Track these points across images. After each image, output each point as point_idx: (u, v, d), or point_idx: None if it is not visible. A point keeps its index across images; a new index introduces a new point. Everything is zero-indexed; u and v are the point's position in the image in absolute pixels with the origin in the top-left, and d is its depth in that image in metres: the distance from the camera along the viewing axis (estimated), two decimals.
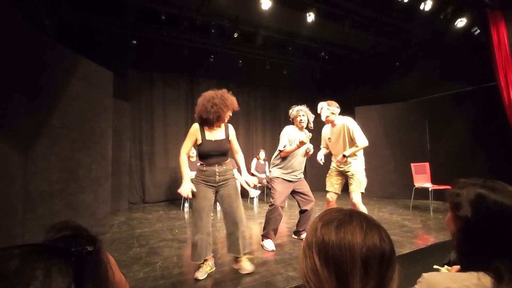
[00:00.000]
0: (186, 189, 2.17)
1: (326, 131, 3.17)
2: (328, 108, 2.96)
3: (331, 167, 3.12)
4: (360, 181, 2.88)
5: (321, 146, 3.22)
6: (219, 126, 2.33)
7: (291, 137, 2.94)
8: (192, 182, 2.27)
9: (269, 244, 2.88)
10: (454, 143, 5.18)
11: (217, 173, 2.27)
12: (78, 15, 4.39)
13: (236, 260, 2.35)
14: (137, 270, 2.37)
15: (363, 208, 2.85)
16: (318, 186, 7.34)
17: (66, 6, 4.11)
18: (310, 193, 3.07)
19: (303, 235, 3.09)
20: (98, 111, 3.53)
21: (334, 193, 3.02)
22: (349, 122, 2.90)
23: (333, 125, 3.03)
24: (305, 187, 3.06)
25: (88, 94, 3.35)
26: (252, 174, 5.86)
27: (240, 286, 2.07)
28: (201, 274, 2.20)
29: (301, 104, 3.11)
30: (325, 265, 0.51)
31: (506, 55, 3.95)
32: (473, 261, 0.69)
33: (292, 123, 3.08)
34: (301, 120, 2.96)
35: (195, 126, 2.27)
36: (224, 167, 2.31)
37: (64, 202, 2.93)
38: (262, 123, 7.05)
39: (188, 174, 2.25)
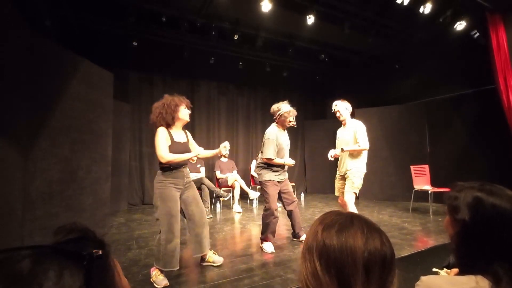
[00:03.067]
0: (196, 151, 2.33)
1: (338, 132, 3.22)
2: (341, 104, 3.04)
3: (337, 171, 3.17)
4: (353, 181, 2.89)
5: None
6: (180, 130, 2.40)
7: (278, 141, 2.93)
8: (159, 187, 2.22)
9: (268, 247, 2.88)
10: (454, 146, 5.18)
11: (185, 175, 2.33)
12: (79, 16, 4.41)
13: (203, 258, 2.45)
14: (136, 272, 2.37)
15: (353, 209, 2.88)
16: (318, 188, 7.36)
17: (67, 7, 4.12)
18: (292, 193, 3.11)
19: (303, 237, 3.09)
20: (98, 112, 3.53)
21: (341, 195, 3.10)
22: (358, 125, 2.97)
23: (344, 124, 3.10)
24: (289, 187, 3.10)
25: (89, 95, 3.36)
26: (252, 176, 5.87)
27: None
28: (165, 281, 2.13)
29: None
30: (326, 269, 0.50)
31: (506, 58, 3.96)
32: (471, 264, 0.70)
33: (274, 121, 3.05)
34: (290, 121, 2.98)
35: (163, 129, 2.25)
36: (187, 169, 2.39)
37: (63, 203, 2.93)
38: (262, 125, 7.06)
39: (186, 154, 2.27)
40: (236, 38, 5.06)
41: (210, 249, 2.49)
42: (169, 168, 2.23)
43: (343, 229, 0.53)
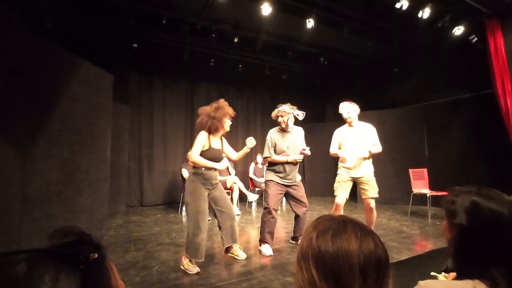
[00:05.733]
0: (223, 164, 2.59)
1: (342, 132, 3.12)
2: (349, 105, 3.05)
3: (341, 173, 3.04)
4: (376, 187, 2.93)
5: (334, 148, 3.11)
6: (219, 138, 2.68)
7: (273, 141, 3.00)
8: (190, 185, 2.51)
9: (266, 249, 2.88)
10: (452, 149, 5.20)
11: (214, 177, 2.57)
12: (80, 18, 4.42)
13: (229, 249, 2.70)
14: (134, 274, 2.36)
15: (375, 214, 2.97)
16: (317, 191, 7.34)
17: (68, 9, 4.14)
18: (304, 199, 3.01)
19: None
20: (97, 114, 3.53)
21: (345, 198, 2.98)
22: (372, 128, 3.05)
23: (350, 125, 3.07)
24: (298, 192, 3.01)
25: (88, 97, 3.36)
26: (251, 179, 5.86)
27: None
28: (197, 268, 2.40)
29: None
30: (323, 277, 0.50)
31: (503, 63, 3.99)
32: (469, 269, 0.70)
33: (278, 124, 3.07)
34: (280, 121, 2.98)
35: (205, 134, 2.52)
36: (217, 172, 2.64)
37: (61, 204, 2.91)
38: (261, 127, 7.07)
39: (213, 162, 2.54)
40: (236, 40, 5.08)
41: (236, 244, 2.70)
42: (201, 168, 2.50)
43: (337, 234, 0.52)
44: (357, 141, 2.99)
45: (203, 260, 2.41)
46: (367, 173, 2.93)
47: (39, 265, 0.30)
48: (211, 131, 2.53)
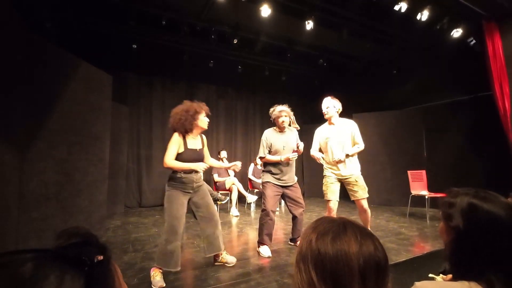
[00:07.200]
0: (202, 164, 2.32)
1: (323, 130, 3.02)
2: (330, 100, 2.92)
3: (327, 174, 2.96)
4: (365, 186, 2.84)
5: (315, 148, 3.03)
6: (196, 136, 2.46)
7: (269, 141, 2.99)
8: (168, 189, 2.35)
9: (265, 251, 2.87)
10: (451, 151, 5.22)
11: (195, 181, 2.38)
12: (80, 19, 4.42)
13: (217, 258, 2.52)
14: (132, 275, 2.35)
15: (369, 213, 2.90)
16: (316, 193, 7.35)
17: (68, 10, 4.14)
18: (300, 200, 3.00)
19: None
20: (96, 114, 3.53)
21: (337, 201, 2.88)
22: (354, 125, 2.91)
23: (330, 123, 2.96)
24: (295, 193, 3.00)
25: (87, 97, 3.35)
26: (250, 180, 5.86)
27: None
28: (161, 282, 2.14)
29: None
30: (322, 279, 0.50)
31: (501, 66, 4.01)
32: (465, 271, 0.70)
33: (274, 124, 3.07)
34: (283, 121, 2.94)
35: (176, 136, 2.32)
36: (199, 174, 2.44)
37: (59, 205, 2.90)
38: (260, 129, 7.07)
39: (189, 163, 2.31)
40: (235, 42, 5.09)
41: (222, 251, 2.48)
42: (179, 172, 2.31)
43: (337, 236, 0.52)
44: (339, 139, 2.86)
45: (179, 269, 2.22)
46: (354, 172, 2.81)
47: (46, 265, 0.30)
48: (186, 130, 2.33)
